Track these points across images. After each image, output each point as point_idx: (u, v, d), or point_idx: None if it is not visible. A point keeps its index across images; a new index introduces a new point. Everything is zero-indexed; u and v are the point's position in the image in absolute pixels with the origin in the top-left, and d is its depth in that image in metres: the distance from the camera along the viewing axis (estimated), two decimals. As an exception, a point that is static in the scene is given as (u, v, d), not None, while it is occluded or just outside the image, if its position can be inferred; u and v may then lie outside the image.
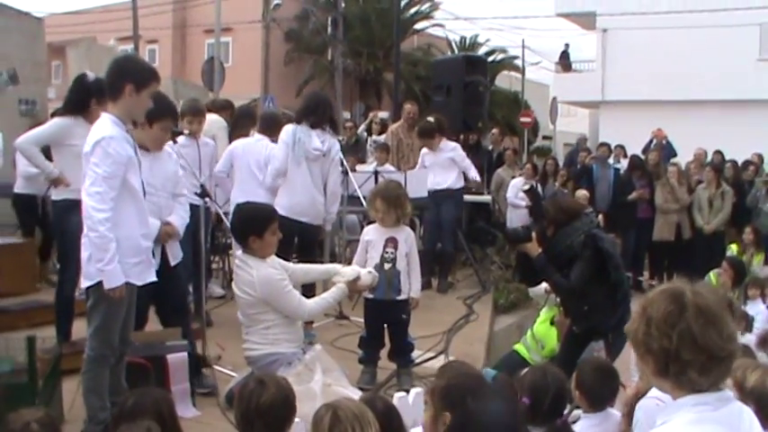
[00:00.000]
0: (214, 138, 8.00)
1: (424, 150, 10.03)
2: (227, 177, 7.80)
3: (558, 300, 6.30)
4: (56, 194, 6.22)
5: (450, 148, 9.95)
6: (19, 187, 9.17)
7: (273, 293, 5.25)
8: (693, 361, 2.15)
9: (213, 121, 8.42)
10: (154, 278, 4.77)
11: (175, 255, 5.67)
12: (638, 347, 2.27)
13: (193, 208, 6.10)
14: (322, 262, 8.02)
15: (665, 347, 2.17)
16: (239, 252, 5.49)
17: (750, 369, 3.47)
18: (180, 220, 5.65)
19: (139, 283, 4.65)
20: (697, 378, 2.17)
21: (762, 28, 28.21)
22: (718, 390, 2.21)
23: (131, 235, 4.54)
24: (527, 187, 9.71)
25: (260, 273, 5.24)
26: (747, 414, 2.28)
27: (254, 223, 5.33)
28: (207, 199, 6.18)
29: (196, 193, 6.16)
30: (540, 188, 12.51)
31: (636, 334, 2.26)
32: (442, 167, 9.85)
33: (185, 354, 5.29)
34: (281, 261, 5.55)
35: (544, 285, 6.66)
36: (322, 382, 4.55)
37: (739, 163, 14.16)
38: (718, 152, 15.20)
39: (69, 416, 4.94)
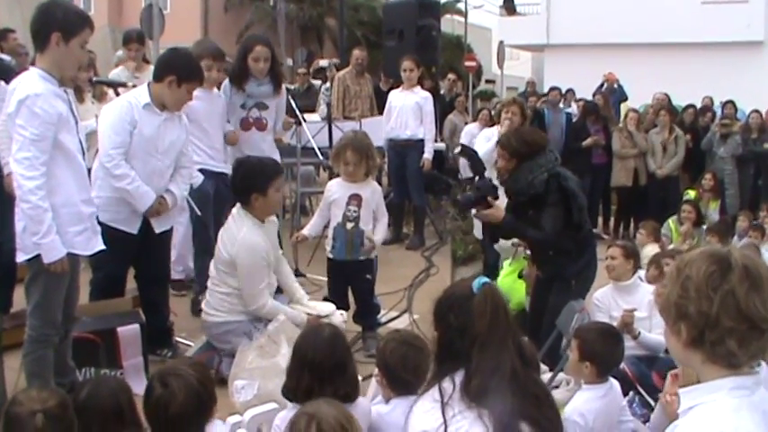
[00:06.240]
0: None
1: (394, 92, 9.39)
2: None
3: (527, 251, 5.99)
4: None
5: (423, 96, 9.21)
6: None
7: (246, 263, 4.91)
8: (734, 329, 1.90)
9: None
10: (102, 246, 4.33)
11: (162, 222, 5.27)
12: (669, 313, 2.00)
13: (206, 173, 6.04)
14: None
15: (703, 311, 1.91)
16: (237, 205, 5.09)
17: None
18: (177, 192, 5.29)
19: (86, 253, 4.24)
20: (736, 349, 1.91)
21: (704, -30, 28.16)
22: (753, 369, 1.97)
23: (69, 201, 4.09)
24: (458, 150, 8.46)
25: (247, 236, 4.90)
26: None
27: (259, 179, 4.98)
28: None
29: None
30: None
31: (668, 297, 1.99)
32: (411, 111, 9.09)
33: (137, 326, 4.90)
34: (278, 256, 5.30)
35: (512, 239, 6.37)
36: (289, 355, 4.23)
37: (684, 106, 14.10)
38: (665, 96, 15.07)
39: (12, 399, 4.53)
